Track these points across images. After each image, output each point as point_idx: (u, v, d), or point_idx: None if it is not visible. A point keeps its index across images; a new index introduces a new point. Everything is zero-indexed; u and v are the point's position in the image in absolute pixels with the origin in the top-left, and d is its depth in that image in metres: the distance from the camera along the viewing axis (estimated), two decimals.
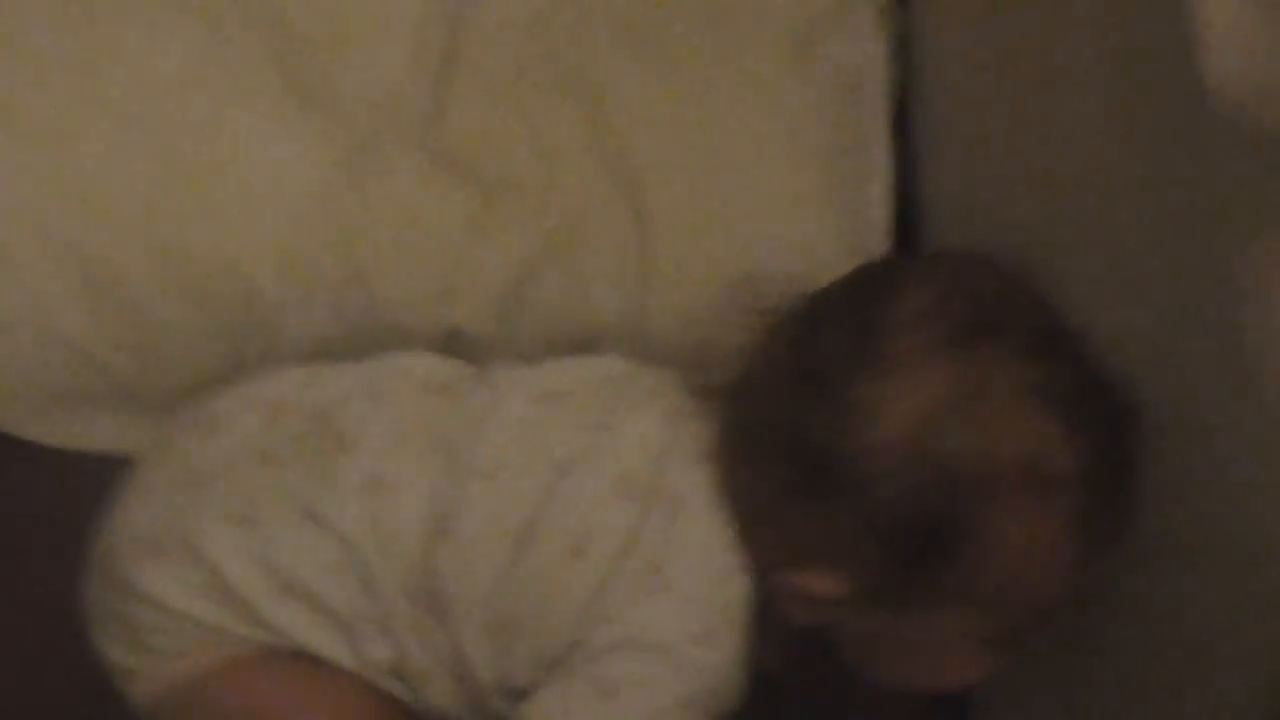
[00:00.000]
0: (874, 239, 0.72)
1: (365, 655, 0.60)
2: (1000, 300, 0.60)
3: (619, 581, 0.59)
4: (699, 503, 0.60)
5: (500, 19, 0.72)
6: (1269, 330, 0.49)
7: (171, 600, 0.60)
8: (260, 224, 0.68)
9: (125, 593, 0.61)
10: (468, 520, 0.60)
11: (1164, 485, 0.57)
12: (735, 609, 0.59)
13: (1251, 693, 0.50)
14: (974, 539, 0.56)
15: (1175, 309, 0.55)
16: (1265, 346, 0.49)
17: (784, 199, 0.70)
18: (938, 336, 0.58)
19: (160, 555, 0.60)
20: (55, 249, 0.67)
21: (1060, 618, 0.61)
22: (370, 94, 0.70)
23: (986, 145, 0.70)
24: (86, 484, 0.66)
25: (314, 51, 0.71)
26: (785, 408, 0.60)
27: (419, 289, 0.68)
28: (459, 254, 0.68)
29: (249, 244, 0.67)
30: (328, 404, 0.63)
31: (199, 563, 0.59)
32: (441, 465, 0.61)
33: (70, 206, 0.67)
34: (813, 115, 0.73)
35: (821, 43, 0.72)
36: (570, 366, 0.67)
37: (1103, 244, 0.61)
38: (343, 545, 0.60)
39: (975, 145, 0.71)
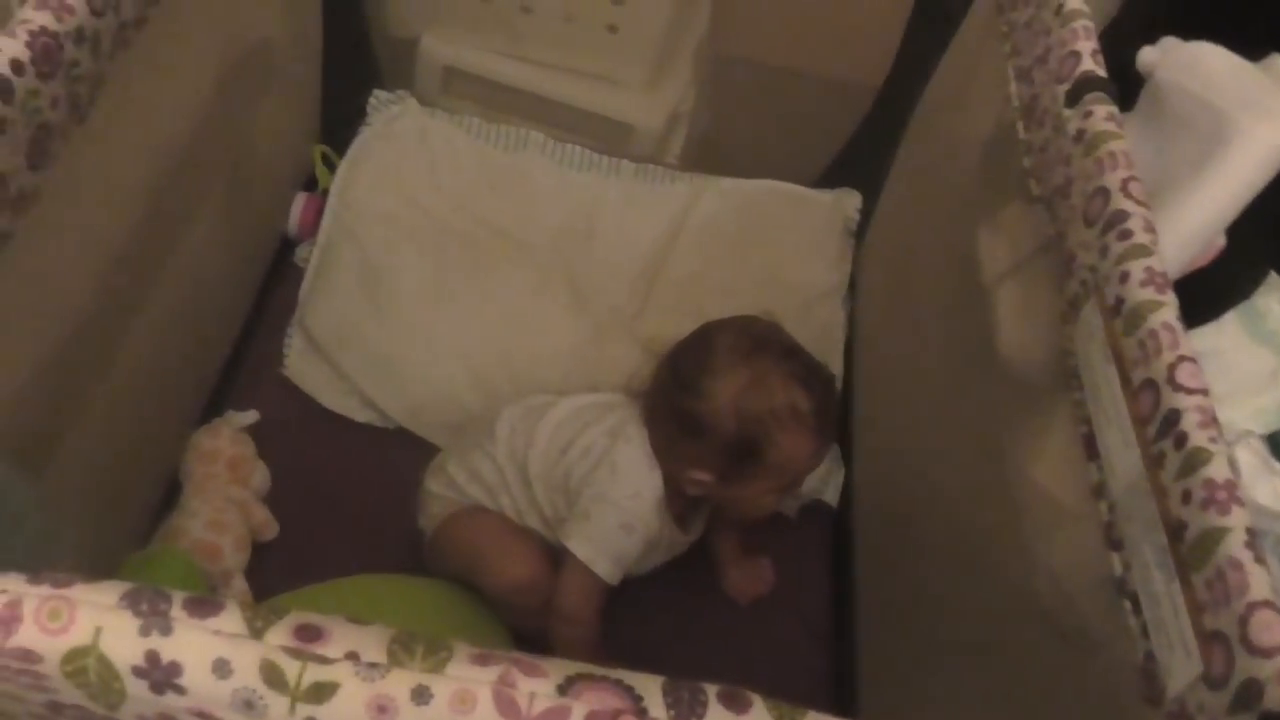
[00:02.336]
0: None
1: (503, 505, 1.07)
2: (766, 335, 1.02)
3: (599, 471, 1.03)
4: (637, 439, 1.04)
5: (667, 282, 1.40)
6: (1024, 456, 0.78)
7: (468, 490, 1.08)
8: (548, 361, 1.31)
9: (425, 491, 1.10)
10: (539, 445, 1.06)
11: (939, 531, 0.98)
12: (650, 487, 1.02)
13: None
14: (768, 448, 0.98)
15: (981, 451, 0.90)
16: (1019, 472, 0.78)
17: None
18: (738, 355, 0.99)
19: (436, 472, 1.11)
20: (454, 360, 1.30)
21: (806, 476, 1.06)
22: (610, 306, 1.37)
23: (883, 347, 1.32)
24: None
25: (585, 286, 1.38)
26: (672, 395, 1.03)
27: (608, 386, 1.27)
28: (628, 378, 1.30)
29: (541, 368, 1.31)
30: (499, 414, 1.12)
31: (445, 473, 1.09)
32: (533, 424, 1.08)
33: (462, 345, 1.30)
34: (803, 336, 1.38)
35: (815, 306, 1.42)
36: (590, 394, 1.14)
37: (945, 412, 1.02)
38: (493, 461, 1.07)
39: (879, 349, 1.34)
